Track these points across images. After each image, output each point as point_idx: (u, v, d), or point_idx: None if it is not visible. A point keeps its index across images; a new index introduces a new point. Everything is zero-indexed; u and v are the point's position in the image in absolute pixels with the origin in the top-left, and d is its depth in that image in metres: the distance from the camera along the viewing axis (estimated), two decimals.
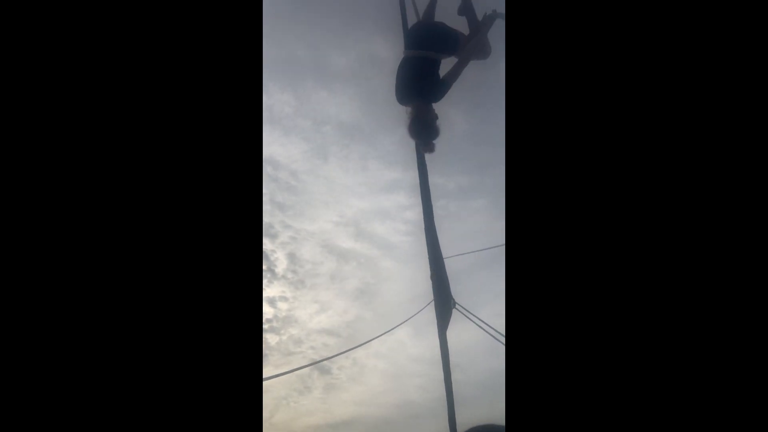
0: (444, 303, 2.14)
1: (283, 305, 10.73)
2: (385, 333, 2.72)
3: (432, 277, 2.20)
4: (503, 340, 1.95)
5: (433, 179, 2.92)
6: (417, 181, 2.79)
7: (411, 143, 2.86)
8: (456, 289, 2.52)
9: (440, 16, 3.10)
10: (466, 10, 2.93)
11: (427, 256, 2.52)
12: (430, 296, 2.50)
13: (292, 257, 10.49)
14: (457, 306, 2.12)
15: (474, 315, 2.04)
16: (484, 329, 1.99)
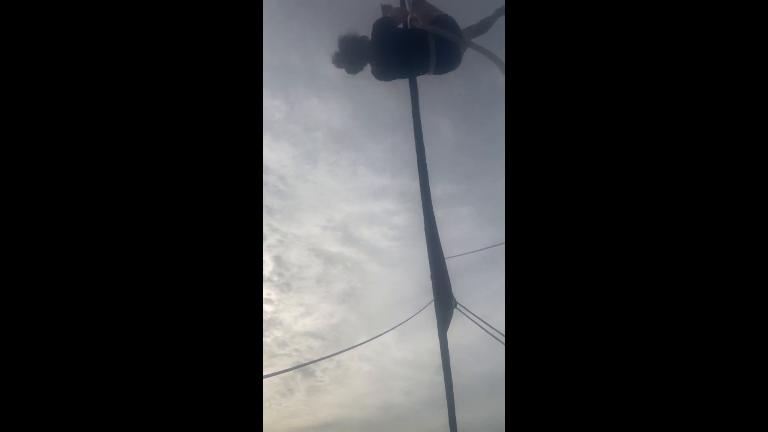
0: (445, 303, 2.15)
1: (267, 308, 10.65)
2: (380, 335, 2.72)
3: (432, 276, 2.20)
4: (503, 340, 1.96)
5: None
6: (405, 187, 2.73)
7: (403, 149, 2.76)
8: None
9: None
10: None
11: (419, 259, 2.49)
12: (420, 300, 2.49)
13: (278, 260, 10.43)
14: (458, 306, 2.13)
15: (474, 315, 2.04)
16: (485, 329, 2.00)
